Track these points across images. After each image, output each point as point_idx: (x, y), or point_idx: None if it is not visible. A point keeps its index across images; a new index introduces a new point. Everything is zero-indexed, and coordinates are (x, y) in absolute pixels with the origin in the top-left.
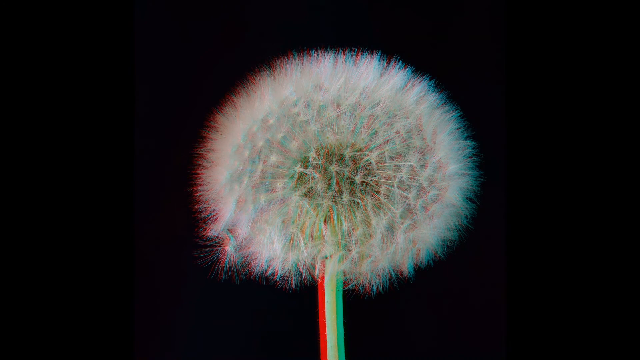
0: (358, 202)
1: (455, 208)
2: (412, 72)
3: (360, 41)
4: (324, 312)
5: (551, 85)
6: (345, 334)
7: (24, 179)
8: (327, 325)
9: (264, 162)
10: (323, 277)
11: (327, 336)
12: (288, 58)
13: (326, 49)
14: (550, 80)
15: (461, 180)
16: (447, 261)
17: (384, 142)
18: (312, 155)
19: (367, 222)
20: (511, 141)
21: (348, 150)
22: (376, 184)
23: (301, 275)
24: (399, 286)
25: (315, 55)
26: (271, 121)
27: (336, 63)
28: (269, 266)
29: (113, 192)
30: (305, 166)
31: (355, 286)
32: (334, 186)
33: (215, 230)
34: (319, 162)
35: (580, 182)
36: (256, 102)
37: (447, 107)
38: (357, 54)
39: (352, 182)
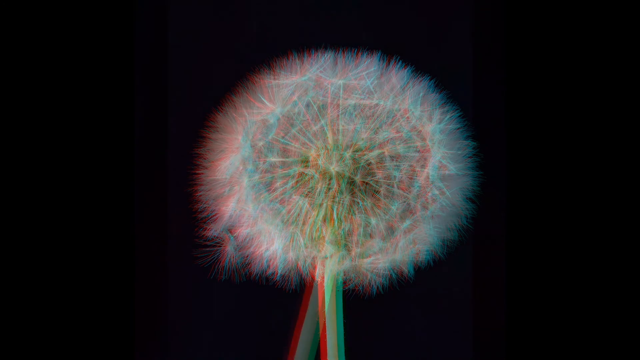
0: (358, 202)
1: (455, 208)
2: (412, 72)
3: (360, 41)
4: (324, 312)
5: (551, 85)
6: (345, 334)
7: (24, 179)
8: (327, 325)
9: (264, 162)
10: (323, 277)
11: (327, 336)
12: (288, 58)
13: (326, 49)
14: (550, 80)
15: (461, 180)
16: (447, 261)
17: (384, 142)
18: (312, 155)
19: (367, 222)
20: (511, 141)
21: (348, 150)
22: (376, 184)
23: (301, 275)
24: (399, 286)
25: (315, 55)
26: (271, 121)
27: (336, 63)
28: (269, 266)
29: (113, 192)
30: (305, 166)
31: (355, 286)
32: (334, 186)
33: (215, 230)
34: (319, 162)
35: (580, 182)
36: (256, 102)
37: (447, 107)
38: (357, 54)
39: (352, 182)
